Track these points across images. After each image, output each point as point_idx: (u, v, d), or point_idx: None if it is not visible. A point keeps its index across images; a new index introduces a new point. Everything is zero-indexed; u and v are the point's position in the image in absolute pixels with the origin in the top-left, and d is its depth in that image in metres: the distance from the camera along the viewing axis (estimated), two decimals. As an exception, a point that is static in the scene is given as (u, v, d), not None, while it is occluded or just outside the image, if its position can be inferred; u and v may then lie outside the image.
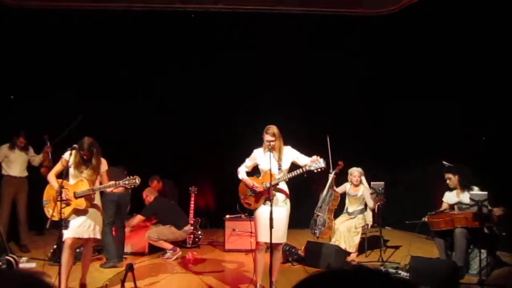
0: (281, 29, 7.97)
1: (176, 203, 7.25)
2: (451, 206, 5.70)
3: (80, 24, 7.90)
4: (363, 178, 6.55)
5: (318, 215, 6.42)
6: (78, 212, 4.43)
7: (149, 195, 6.69)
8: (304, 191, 7.03)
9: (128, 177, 4.40)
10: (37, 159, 6.82)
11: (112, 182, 4.43)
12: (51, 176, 4.55)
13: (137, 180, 4.39)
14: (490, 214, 5.02)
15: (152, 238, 6.32)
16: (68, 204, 4.35)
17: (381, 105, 8.58)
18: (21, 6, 7.74)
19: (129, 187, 4.48)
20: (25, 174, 6.77)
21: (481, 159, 6.40)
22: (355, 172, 6.51)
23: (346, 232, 6.23)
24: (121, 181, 4.38)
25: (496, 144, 6.58)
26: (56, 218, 4.38)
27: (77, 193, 4.37)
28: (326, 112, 8.45)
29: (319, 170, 4.34)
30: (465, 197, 5.45)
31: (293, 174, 4.45)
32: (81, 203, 4.39)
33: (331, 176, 6.45)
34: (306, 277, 0.91)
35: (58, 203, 4.24)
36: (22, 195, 6.66)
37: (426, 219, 5.58)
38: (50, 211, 4.46)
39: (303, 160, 4.49)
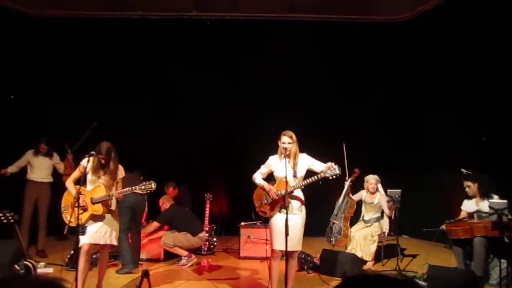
0: (295, 36, 7.99)
1: (191, 210, 7.27)
2: (470, 215, 5.60)
3: (94, 31, 8.02)
4: (380, 186, 6.48)
5: (334, 223, 6.37)
6: (95, 218, 4.48)
7: (165, 203, 6.74)
8: (319, 198, 6.97)
9: (144, 182, 4.44)
10: (62, 167, 6.98)
11: (128, 188, 4.46)
12: (69, 183, 4.62)
13: (153, 185, 4.42)
14: (510, 223, 4.91)
15: (168, 244, 6.35)
16: (85, 210, 4.41)
17: (396, 112, 8.49)
18: (39, 15, 7.88)
19: (145, 192, 4.52)
20: (48, 179, 6.86)
21: (500, 166, 6.28)
22: (371, 179, 6.44)
23: (362, 240, 6.17)
24: (137, 186, 4.42)
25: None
26: (73, 224, 4.42)
27: (94, 198, 4.43)
28: (342, 119, 8.40)
29: (334, 177, 4.30)
30: (484, 206, 5.35)
31: (308, 181, 4.41)
32: (98, 209, 4.44)
33: (347, 184, 6.41)
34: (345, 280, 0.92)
35: (76, 209, 4.30)
36: (43, 200, 6.75)
37: (444, 227, 5.49)
38: (68, 217, 4.52)
39: (319, 167, 4.45)
